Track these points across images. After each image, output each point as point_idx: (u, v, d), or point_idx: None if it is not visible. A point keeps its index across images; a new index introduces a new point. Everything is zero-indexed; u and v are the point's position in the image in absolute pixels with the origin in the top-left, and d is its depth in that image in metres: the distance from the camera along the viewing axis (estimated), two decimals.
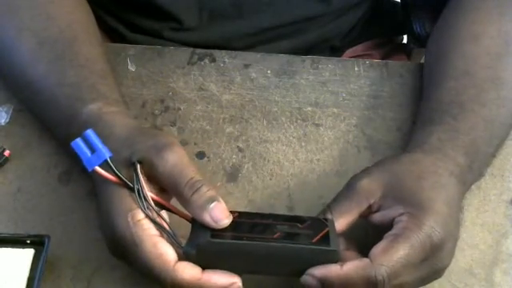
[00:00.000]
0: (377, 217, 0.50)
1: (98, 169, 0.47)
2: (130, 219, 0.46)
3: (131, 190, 0.47)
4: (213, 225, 0.46)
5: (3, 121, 0.63)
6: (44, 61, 0.57)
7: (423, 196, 0.49)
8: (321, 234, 0.47)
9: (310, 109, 0.65)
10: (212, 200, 0.47)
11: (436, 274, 0.49)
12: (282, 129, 0.63)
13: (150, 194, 0.47)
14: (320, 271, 0.46)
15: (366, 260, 0.46)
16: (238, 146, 0.62)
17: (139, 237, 0.46)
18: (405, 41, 0.92)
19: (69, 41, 0.59)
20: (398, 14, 0.87)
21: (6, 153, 0.60)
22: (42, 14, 0.60)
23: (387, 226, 0.49)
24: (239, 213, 0.48)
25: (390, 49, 0.88)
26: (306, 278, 0.47)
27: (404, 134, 0.63)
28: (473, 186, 0.59)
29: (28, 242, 0.52)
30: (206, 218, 0.46)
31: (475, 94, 0.57)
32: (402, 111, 0.65)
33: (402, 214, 0.48)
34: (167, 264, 0.46)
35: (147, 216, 0.47)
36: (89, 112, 0.53)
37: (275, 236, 0.47)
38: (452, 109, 0.56)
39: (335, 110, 0.65)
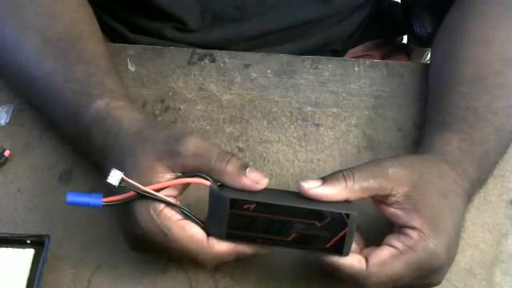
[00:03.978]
0: (390, 212, 0.49)
1: (105, 201, 0.48)
2: (152, 212, 0.47)
3: (141, 197, 0.48)
4: (253, 187, 0.47)
5: (3, 121, 0.63)
6: (50, 58, 0.57)
7: (441, 217, 0.48)
8: (337, 237, 0.47)
9: (310, 109, 0.65)
10: (246, 166, 0.48)
11: (427, 286, 0.50)
12: (282, 129, 0.63)
13: (156, 186, 0.48)
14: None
15: (362, 264, 0.47)
16: (237, 146, 0.62)
17: (166, 225, 0.47)
18: (405, 41, 0.92)
19: (74, 38, 0.59)
20: (398, 15, 0.87)
21: (6, 153, 0.60)
22: (45, 13, 0.60)
23: (393, 223, 0.49)
24: (257, 203, 0.47)
25: (390, 49, 0.88)
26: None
27: (404, 134, 0.63)
28: None
29: (28, 241, 0.52)
30: (246, 181, 0.47)
31: (488, 101, 0.56)
32: (402, 111, 0.65)
33: (414, 228, 0.48)
34: (201, 243, 0.47)
35: (167, 204, 0.48)
36: (96, 108, 0.53)
37: (290, 238, 0.47)
38: (467, 115, 0.56)
39: (335, 109, 0.65)
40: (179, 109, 0.64)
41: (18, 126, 0.63)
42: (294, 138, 0.63)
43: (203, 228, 0.48)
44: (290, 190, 0.52)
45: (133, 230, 0.48)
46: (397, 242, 0.48)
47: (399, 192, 0.48)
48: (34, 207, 0.58)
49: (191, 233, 0.47)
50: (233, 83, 0.66)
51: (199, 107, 0.64)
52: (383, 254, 0.47)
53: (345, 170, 0.49)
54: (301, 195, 0.48)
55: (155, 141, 0.49)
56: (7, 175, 0.60)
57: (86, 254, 0.55)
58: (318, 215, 0.47)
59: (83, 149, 0.56)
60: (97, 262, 0.55)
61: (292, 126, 0.64)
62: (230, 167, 0.48)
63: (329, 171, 0.60)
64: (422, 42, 0.79)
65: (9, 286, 0.50)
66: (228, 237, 0.47)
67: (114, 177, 0.46)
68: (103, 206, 0.48)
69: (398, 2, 0.89)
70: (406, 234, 0.48)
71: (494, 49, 0.60)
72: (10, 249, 0.51)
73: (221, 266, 0.51)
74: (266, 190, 0.48)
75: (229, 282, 0.55)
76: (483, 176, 0.55)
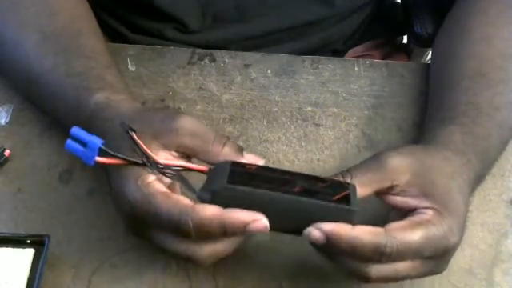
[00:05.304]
0: (397, 200, 0.49)
1: (99, 159, 0.47)
2: (139, 183, 0.46)
3: (138, 164, 0.47)
4: None
5: (3, 121, 0.63)
6: (50, 54, 0.58)
7: (452, 197, 0.48)
8: (341, 194, 0.45)
9: (310, 109, 0.65)
10: (242, 149, 0.48)
11: (431, 273, 0.49)
12: (282, 129, 0.63)
13: (160, 159, 0.47)
14: (330, 226, 0.44)
15: (380, 229, 0.45)
16: None
17: (151, 194, 0.45)
18: (405, 41, 0.92)
19: (73, 34, 0.59)
20: (398, 15, 0.87)
21: (6, 153, 0.60)
22: (45, 10, 0.60)
23: (405, 212, 0.48)
24: (258, 166, 0.46)
25: (390, 49, 0.88)
26: (310, 231, 0.44)
27: (404, 134, 0.63)
28: None
29: (28, 241, 0.52)
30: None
31: (490, 96, 0.56)
32: (402, 111, 0.65)
33: (427, 208, 0.47)
34: (185, 207, 0.44)
35: (158, 175, 0.47)
36: (96, 100, 0.53)
37: (295, 190, 0.44)
38: (469, 110, 0.55)
39: (335, 109, 0.65)
40: (179, 108, 0.64)
41: (18, 125, 0.63)
42: (294, 137, 0.63)
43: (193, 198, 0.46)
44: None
45: (123, 204, 0.47)
46: (414, 217, 0.47)
47: (401, 181, 0.48)
48: (33, 207, 0.58)
49: (176, 198, 0.45)
50: (233, 83, 0.66)
51: (199, 107, 0.64)
52: (402, 222, 0.46)
53: (343, 170, 0.48)
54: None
55: (152, 120, 0.49)
56: (7, 175, 0.60)
57: (86, 254, 0.55)
58: (319, 179, 0.46)
59: None
60: (97, 262, 0.55)
61: (292, 126, 0.64)
62: (227, 149, 0.47)
63: (329, 171, 0.60)
64: (422, 42, 0.80)
65: (9, 286, 0.50)
66: (229, 182, 0.44)
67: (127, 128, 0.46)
68: (95, 163, 0.47)
69: (398, 2, 0.89)
70: (421, 213, 0.47)
71: (495, 45, 0.60)
72: (9, 249, 0.51)
73: (206, 235, 0.45)
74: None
75: (229, 281, 0.55)
76: (484, 171, 0.55)
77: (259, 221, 0.44)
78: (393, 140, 0.63)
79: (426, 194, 0.48)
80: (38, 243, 0.52)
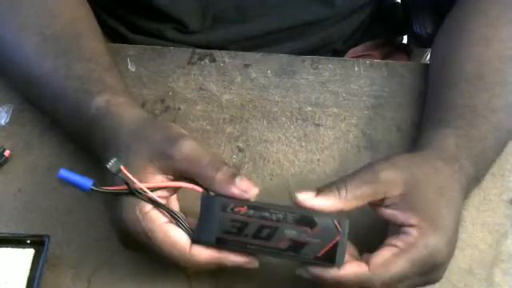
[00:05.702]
0: (387, 213, 0.49)
1: (95, 189, 0.48)
2: (138, 213, 0.47)
3: (130, 193, 0.47)
4: (242, 196, 0.47)
5: (3, 121, 0.63)
6: (50, 56, 0.58)
7: (439, 213, 0.48)
8: (329, 246, 0.47)
9: (309, 109, 0.65)
10: (236, 175, 0.48)
11: (428, 283, 0.50)
12: (282, 129, 0.63)
13: (151, 184, 0.48)
14: (317, 271, 0.47)
15: (363, 267, 0.47)
16: (237, 146, 0.62)
17: (150, 229, 0.47)
18: (405, 41, 0.92)
19: (73, 36, 0.59)
20: (398, 15, 0.87)
21: (6, 153, 0.60)
22: (45, 11, 0.60)
23: (393, 224, 0.49)
24: (248, 206, 0.47)
25: (390, 49, 0.88)
26: (301, 271, 0.48)
27: (404, 133, 0.63)
28: None
29: (28, 241, 0.52)
30: (235, 190, 0.47)
31: (486, 98, 0.56)
32: (402, 111, 0.65)
33: (413, 226, 0.48)
34: (183, 250, 0.47)
35: (154, 206, 0.48)
36: (97, 105, 0.53)
37: (280, 245, 0.47)
38: (465, 113, 0.55)
39: (335, 109, 0.65)
40: (179, 109, 0.64)
41: (18, 125, 0.63)
42: (294, 137, 0.63)
43: (189, 234, 0.48)
44: (288, 190, 0.52)
45: (119, 226, 0.49)
46: (397, 241, 0.48)
47: (393, 194, 0.48)
48: (33, 207, 0.58)
49: (174, 239, 0.47)
50: (233, 83, 0.66)
51: (199, 107, 0.64)
52: (385, 253, 0.47)
53: (337, 180, 0.49)
54: (292, 206, 0.48)
55: (151, 141, 0.49)
56: (7, 175, 0.60)
57: (86, 254, 0.55)
58: (309, 222, 0.47)
59: (85, 144, 0.56)
60: (97, 262, 0.55)
61: (292, 126, 0.64)
62: (220, 175, 0.47)
63: (329, 171, 0.60)
64: (422, 42, 0.80)
65: (9, 286, 0.50)
66: (218, 242, 0.47)
67: (114, 164, 0.46)
68: (92, 190, 0.48)
69: (398, 2, 0.89)
70: (406, 233, 0.48)
71: (493, 47, 0.60)
72: (9, 249, 0.51)
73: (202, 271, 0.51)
74: (257, 202, 0.48)
75: (229, 282, 0.55)
76: (480, 173, 0.55)
77: (251, 263, 0.49)
78: (393, 140, 0.63)
79: (414, 210, 0.48)
80: (37, 243, 0.52)
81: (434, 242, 0.47)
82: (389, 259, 0.47)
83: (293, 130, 0.63)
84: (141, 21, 0.74)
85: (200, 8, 0.72)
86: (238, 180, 0.47)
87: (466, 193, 0.52)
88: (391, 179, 0.49)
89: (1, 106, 0.64)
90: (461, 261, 0.55)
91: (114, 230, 0.50)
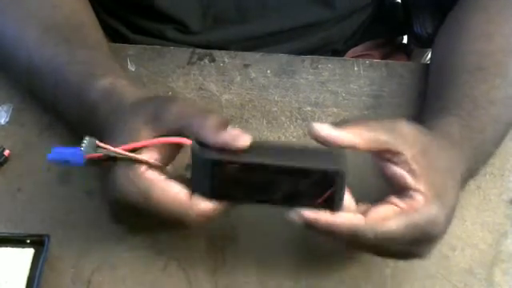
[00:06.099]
0: (396, 171, 0.47)
1: (88, 156, 0.47)
2: (131, 175, 0.46)
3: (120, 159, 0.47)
4: (234, 142, 0.45)
5: (3, 120, 0.63)
6: (51, 44, 0.58)
7: (445, 187, 0.48)
8: (326, 195, 0.45)
9: (309, 109, 0.65)
10: (227, 123, 0.46)
11: (412, 255, 0.49)
12: (282, 129, 0.63)
13: (135, 144, 0.47)
14: (311, 214, 0.45)
15: (359, 217, 0.46)
16: None
17: (147, 187, 0.46)
18: (405, 41, 0.92)
19: (76, 25, 0.60)
20: (398, 15, 0.87)
21: (6, 153, 0.60)
22: (46, 3, 0.61)
23: (396, 187, 0.48)
24: (240, 164, 0.45)
25: (390, 49, 0.88)
26: (292, 215, 0.46)
27: None
28: (473, 186, 0.59)
29: (28, 241, 0.52)
30: (226, 136, 0.45)
31: (486, 90, 0.56)
32: (401, 111, 0.65)
33: (419, 191, 0.46)
34: (184, 204, 0.46)
35: (148, 165, 0.47)
36: (102, 86, 0.53)
37: (278, 196, 0.45)
38: (465, 103, 0.55)
39: (335, 109, 0.65)
40: None
41: (17, 125, 0.63)
42: (293, 137, 0.63)
43: (187, 185, 0.46)
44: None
45: (113, 196, 0.47)
46: (400, 202, 0.47)
47: (409, 152, 0.47)
48: (33, 207, 0.58)
49: (172, 193, 0.46)
50: (232, 83, 0.66)
51: None
52: (385, 210, 0.46)
53: (358, 119, 0.48)
54: (287, 151, 0.46)
55: (146, 107, 0.49)
56: (7, 175, 0.60)
57: (86, 254, 0.55)
58: (305, 173, 0.45)
59: (86, 128, 0.53)
60: (97, 262, 0.55)
61: (292, 126, 0.64)
62: (210, 122, 0.46)
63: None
64: (422, 42, 0.80)
65: (9, 286, 0.50)
66: (213, 197, 0.46)
67: (88, 144, 0.46)
68: (86, 161, 0.46)
69: (398, 2, 0.89)
70: (411, 196, 0.47)
71: (496, 42, 0.60)
72: (9, 249, 0.52)
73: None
74: (250, 149, 0.46)
75: (228, 281, 0.55)
76: (477, 166, 0.55)
77: None
78: None
79: (425, 175, 0.47)
80: (37, 243, 0.52)
81: (436, 212, 0.46)
82: (388, 216, 0.46)
83: (292, 130, 0.63)
84: (141, 21, 0.74)
85: (201, 8, 0.72)
86: (229, 127, 0.46)
87: (464, 182, 0.52)
88: (411, 136, 0.47)
89: (0, 106, 0.64)
90: (461, 261, 0.55)
91: (110, 207, 0.49)
